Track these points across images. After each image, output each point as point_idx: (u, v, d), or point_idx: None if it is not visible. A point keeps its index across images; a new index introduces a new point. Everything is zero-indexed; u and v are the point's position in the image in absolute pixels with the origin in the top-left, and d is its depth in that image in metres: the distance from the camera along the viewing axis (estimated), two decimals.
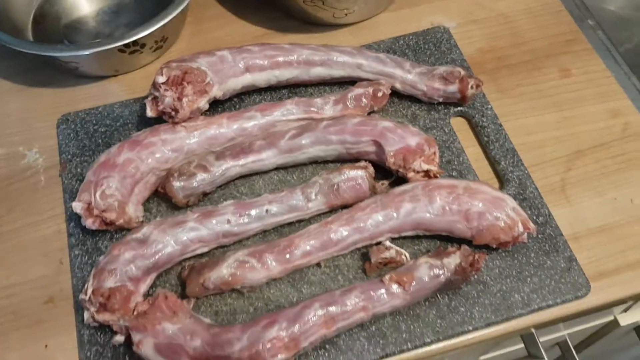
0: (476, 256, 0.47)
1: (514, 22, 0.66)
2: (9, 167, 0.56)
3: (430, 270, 0.46)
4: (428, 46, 0.62)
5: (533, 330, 0.54)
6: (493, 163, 0.56)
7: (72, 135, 0.57)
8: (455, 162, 0.55)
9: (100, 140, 0.56)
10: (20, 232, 0.53)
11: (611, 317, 0.72)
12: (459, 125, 0.59)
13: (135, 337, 0.43)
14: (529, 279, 0.49)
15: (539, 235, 0.51)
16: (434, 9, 0.67)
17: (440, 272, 0.46)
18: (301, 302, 0.46)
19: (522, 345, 0.61)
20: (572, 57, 0.63)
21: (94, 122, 0.57)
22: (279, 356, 0.43)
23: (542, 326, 0.50)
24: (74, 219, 0.52)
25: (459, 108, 0.58)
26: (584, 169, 0.56)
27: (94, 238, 0.51)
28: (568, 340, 0.75)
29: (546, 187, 0.54)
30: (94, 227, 0.49)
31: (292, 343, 0.44)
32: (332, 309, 0.45)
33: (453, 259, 0.47)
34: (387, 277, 0.46)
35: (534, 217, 0.52)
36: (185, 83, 0.52)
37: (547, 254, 0.50)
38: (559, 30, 0.65)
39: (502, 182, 0.55)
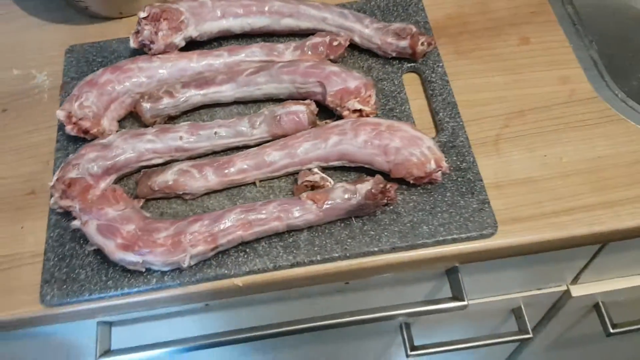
0: (387, 185, 0.52)
1: None
2: (21, 85, 0.67)
3: (344, 193, 0.52)
4: (396, 8, 0.67)
5: (458, 266, 0.58)
6: (433, 114, 0.60)
7: (74, 62, 0.66)
8: (397, 110, 0.60)
9: (95, 69, 0.65)
10: (20, 137, 0.63)
11: (564, 287, 0.74)
12: (411, 80, 0.63)
13: (83, 218, 0.52)
14: (439, 215, 0.54)
15: (459, 179, 0.56)
16: None
17: (353, 195, 0.52)
18: (227, 209, 0.53)
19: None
20: (535, 27, 0.66)
21: (94, 53, 0.67)
22: (198, 247, 0.50)
23: (446, 260, 0.54)
24: (62, 129, 0.61)
25: (412, 64, 0.63)
26: (522, 127, 0.59)
27: (75, 145, 0.60)
28: (523, 308, 0.77)
29: (479, 140, 0.58)
30: (72, 133, 0.58)
31: (210, 238, 0.51)
32: (251, 215, 0.52)
33: (365, 185, 0.52)
34: (304, 194, 0.52)
35: (458, 163, 0.56)
36: (162, 19, 0.60)
37: (462, 195, 0.55)
38: (527, 2, 0.68)
39: (438, 131, 0.59)
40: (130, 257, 0.50)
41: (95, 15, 0.70)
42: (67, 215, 0.56)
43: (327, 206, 0.52)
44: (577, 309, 0.78)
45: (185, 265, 0.50)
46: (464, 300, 0.59)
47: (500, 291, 0.73)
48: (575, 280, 0.72)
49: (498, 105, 0.61)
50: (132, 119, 0.62)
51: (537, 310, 0.80)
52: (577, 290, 0.73)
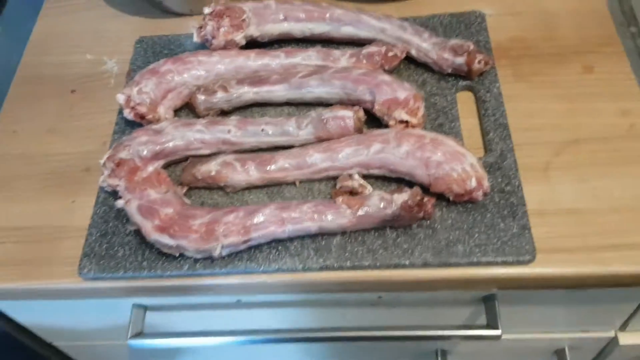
0: (425, 198, 0.51)
1: (552, 20, 0.67)
2: (92, 69, 0.71)
3: (380, 202, 0.52)
4: (458, 26, 0.67)
5: (495, 294, 0.57)
6: (483, 134, 0.59)
7: (142, 52, 0.70)
8: (447, 127, 0.59)
9: (161, 60, 0.69)
10: (84, 117, 0.66)
11: (611, 334, 0.70)
12: (465, 98, 0.62)
13: (126, 197, 0.54)
14: (476, 235, 0.52)
15: (502, 202, 0.54)
16: None
17: (388, 205, 0.51)
18: (263, 204, 0.53)
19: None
20: (600, 57, 0.64)
21: (162, 45, 0.70)
22: (230, 238, 0.51)
23: (478, 284, 0.53)
24: (122, 112, 0.64)
25: (467, 82, 0.62)
26: (574, 157, 0.57)
27: (132, 129, 0.63)
28: (566, 350, 0.74)
29: (528, 164, 0.57)
30: (129, 117, 0.61)
31: (243, 230, 0.52)
32: (285, 212, 0.52)
33: (402, 196, 0.52)
34: (339, 198, 0.52)
35: (503, 185, 0.55)
36: (225, 16, 0.62)
37: (503, 218, 0.53)
38: (596, 32, 0.66)
39: (486, 151, 0.58)
40: (164, 240, 0.51)
41: (167, 10, 0.74)
42: (115, 194, 0.58)
43: (362, 213, 0.52)
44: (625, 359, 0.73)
45: (216, 254, 0.51)
46: (497, 329, 0.57)
47: (541, 328, 0.69)
48: (624, 327, 0.68)
49: (552, 132, 0.59)
50: (187, 109, 0.64)
51: (582, 356, 0.76)
52: (625, 338, 0.68)
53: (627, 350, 0.70)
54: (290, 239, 0.54)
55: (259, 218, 0.52)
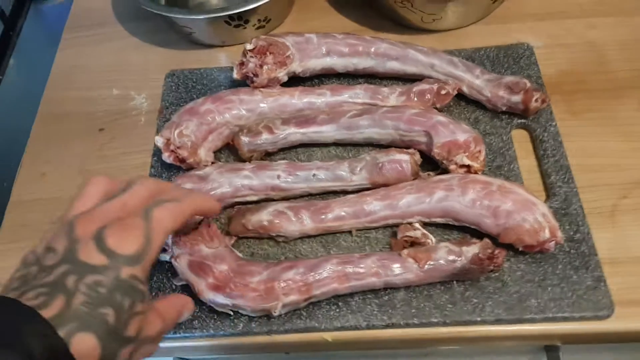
0: (496, 251, 0.48)
1: (602, 51, 0.65)
2: (120, 105, 0.67)
3: (448, 255, 0.49)
4: (507, 60, 0.64)
5: (559, 344, 0.54)
6: (544, 176, 0.56)
7: (174, 87, 0.66)
8: (505, 169, 0.57)
9: (195, 96, 0.65)
10: (116, 158, 0.63)
11: None
12: (520, 137, 0.60)
13: (176, 251, 0.50)
14: (549, 288, 0.50)
15: (572, 251, 0.51)
16: (524, 28, 0.68)
17: (458, 258, 0.49)
18: (323, 257, 0.50)
19: None
20: None
21: (194, 80, 0.67)
22: (291, 296, 0.48)
23: (554, 339, 0.50)
24: (157, 154, 0.61)
25: (522, 120, 0.60)
26: None
27: (169, 172, 0.60)
28: None
29: (594, 209, 0.54)
30: (168, 161, 0.57)
31: (305, 288, 0.48)
32: (348, 267, 0.49)
33: (472, 249, 0.49)
34: (405, 251, 0.49)
35: (571, 233, 0.52)
36: (268, 53, 0.59)
37: (576, 270, 0.50)
38: None
39: (549, 195, 0.55)
40: (220, 299, 0.48)
41: (198, 42, 0.70)
42: None
43: (429, 267, 0.49)
44: None
45: (276, 313, 0.48)
46: None
47: None
48: None
49: (614, 173, 0.57)
50: (228, 151, 0.61)
51: None
52: None
53: None
54: (351, 294, 0.50)
55: (320, 274, 0.48)
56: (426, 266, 0.49)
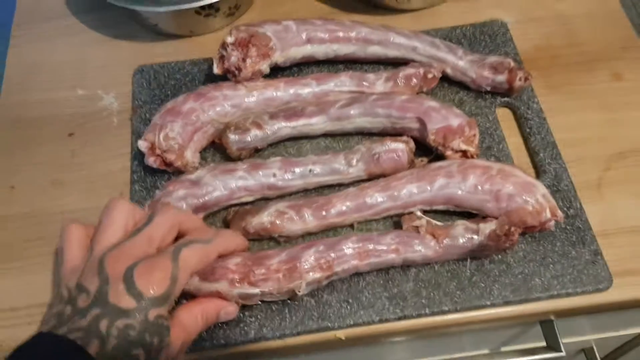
0: (512, 228, 0.49)
1: (572, 24, 0.67)
2: (88, 107, 0.62)
3: (466, 232, 0.49)
4: (483, 37, 0.64)
5: (553, 319, 0.56)
6: (532, 154, 0.58)
7: (144, 84, 0.62)
8: (495, 149, 0.57)
9: (169, 92, 0.62)
10: (91, 165, 0.59)
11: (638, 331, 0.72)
12: (503, 115, 0.61)
13: None
14: (551, 266, 0.51)
15: (568, 227, 0.53)
16: (495, 3, 0.69)
17: (475, 235, 0.49)
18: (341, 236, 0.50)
19: (543, 343, 0.62)
20: (626, 63, 0.64)
21: (166, 75, 0.63)
22: (313, 274, 0.47)
23: (560, 314, 0.52)
24: (138, 158, 0.57)
25: (505, 99, 0.60)
26: (624, 170, 0.57)
27: (153, 177, 0.57)
28: (595, 348, 0.75)
29: (582, 183, 0.56)
30: (154, 165, 0.54)
31: (326, 265, 0.48)
32: (368, 243, 0.49)
33: (489, 225, 0.49)
34: (423, 228, 0.49)
35: (565, 209, 0.54)
36: (251, 45, 0.56)
37: (573, 245, 0.52)
38: (617, 36, 0.66)
39: (539, 172, 0.56)
40: (247, 289, 0.46)
41: (163, 33, 0.67)
42: None
43: (447, 243, 0.49)
44: None
45: (301, 292, 0.47)
46: (560, 351, 0.57)
47: (576, 335, 0.70)
48: None
49: (597, 145, 0.59)
50: (213, 149, 0.58)
51: (607, 349, 0.78)
52: None
53: None
54: (360, 290, 0.50)
55: (341, 251, 0.48)
56: (444, 241, 0.49)
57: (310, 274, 0.47)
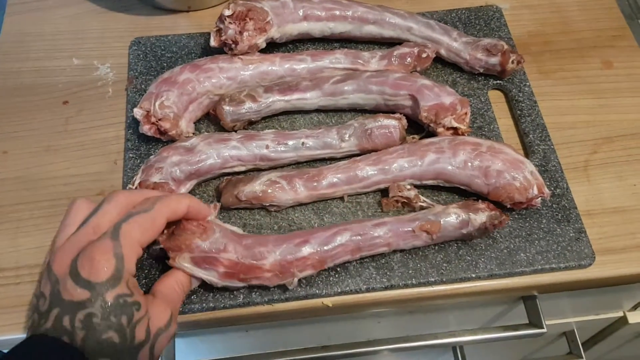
0: (502, 218, 0.50)
1: (565, 12, 0.68)
2: (83, 76, 0.63)
3: (457, 222, 0.50)
4: (478, 22, 0.65)
5: (536, 296, 0.57)
6: (522, 135, 0.59)
7: (141, 56, 0.63)
8: (486, 129, 0.58)
9: (165, 64, 0.62)
10: (84, 132, 0.59)
11: (620, 314, 0.73)
12: (495, 97, 0.62)
13: (172, 254, 0.46)
14: (536, 242, 0.52)
15: (554, 205, 0.54)
16: None
17: (465, 228, 0.50)
18: (334, 227, 0.50)
19: (526, 320, 0.64)
20: (617, 51, 0.65)
21: (162, 47, 0.63)
22: (306, 272, 0.48)
23: (543, 289, 0.53)
24: (132, 126, 0.58)
25: (497, 81, 0.61)
26: (610, 154, 0.58)
27: (147, 145, 0.57)
28: (576, 331, 0.77)
29: (569, 165, 0.57)
30: (149, 133, 0.55)
31: (319, 263, 0.48)
32: (360, 240, 0.49)
33: (480, 217, 0.50)
34: (417, 225, 0.50)
35: (552, 189, 0.55)
36: (248, 19, 0.57)
37: (558, 223, 0.53)
38: (608, 25, 0.67)
39: (528, 153, 0.58)
40: (235, 284, 0.47)
41: (160, 7, 0.67)
42: None
43: (439, 235, 0.50)
44: (630, 333, 0.78)
45: (292, 287, 0.48)
46: (542, 328, 0.58)
47: (558, 316, 0.72)
48: (634, 308, 0.72)
49: (585, 129, 0.60)
50: (208, 121, 0.59)
51: (588, 334, 0.79)
52: (635, 317, 0.72)
53: (635, 327, 0.74)
54: (349, 261, 0.51)
55: (334, 249, 0.48)
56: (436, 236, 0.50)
57: (303, 272, 0.48)
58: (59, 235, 0.42)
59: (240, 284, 0.47)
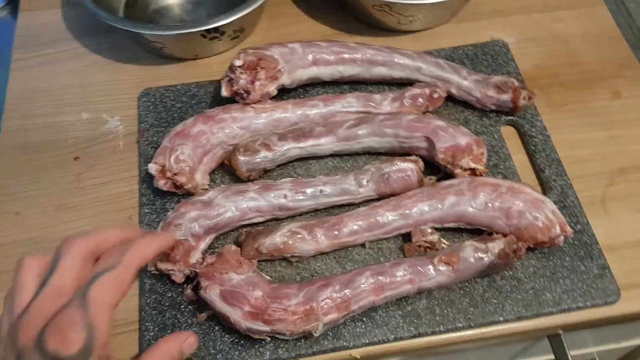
0: (519, 244, 0.50)
1: (570, 44, 0.69)
2: (93, 130, 0.62)
3: (475, 252, 0.50)
4: (485, 57, 0.66)
5: (561, 333, 0.56)
6: (538, 171, 0.59)
7: (151, 107, 0.62)
8: (502, 167, 0.58)
9: (175, 115, 0.62)
10: (97, 189, 0.58)
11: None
12: (508, 133, 0.62)
13: (204, 283, 0.48)
14: (561, 281, 0.52)
15: (575, 242, 0.54)
16: (495, 24, 0.70)
17: (484, 255, 0.49)
18: (353, 270, 0.50)
19: (552, 356, 0.63)
20: (624, 81, 0.65)
21: (172, 98, 0.63)
22: (331, 315, 0.47)
23: (570, 328, 0.53)
24: (146, 181, 0.57)
25: (509, 117, 0.61)
26: (626, 186, 0.58)
27: (162, 199, 0.56)
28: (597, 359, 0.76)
29: (586, 199, 0.57)
30: (165, 188, 0.54)
31: (343, 305, 0.48)
32: (382, 278, 0.49)
33: (497, 244, 0.50)
34: (435, 258, 0.49)
35: (572, 224, 0.55)
36: (259, 68, 0.57)
37: (582, 260, 0.53)
38: (614, 55, 0.67)
39: (545, 189, 0.57)
40: (258, 326, 0.46)
41: (168, 57, 0.67)
42: (162, 279, 0.52)
43: (460, 267, 0.49)
44: None
45: (317, 334, 0.47)
46: None
47: (580, 347, 0.71)
48: None
49: (599, 162, 0.60)
50: (222, 171, 0.58)
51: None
52: None
53: None
54: (374, 309, 0.50)
55: (356, 289, 0.48)
56: (457, 266, 0.49)
57: (328, 315, 0.47)
58: (15, 299, 0.37)
59: (264, 327, 0.46)
